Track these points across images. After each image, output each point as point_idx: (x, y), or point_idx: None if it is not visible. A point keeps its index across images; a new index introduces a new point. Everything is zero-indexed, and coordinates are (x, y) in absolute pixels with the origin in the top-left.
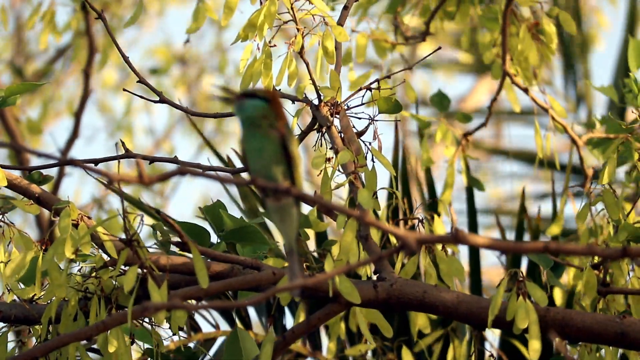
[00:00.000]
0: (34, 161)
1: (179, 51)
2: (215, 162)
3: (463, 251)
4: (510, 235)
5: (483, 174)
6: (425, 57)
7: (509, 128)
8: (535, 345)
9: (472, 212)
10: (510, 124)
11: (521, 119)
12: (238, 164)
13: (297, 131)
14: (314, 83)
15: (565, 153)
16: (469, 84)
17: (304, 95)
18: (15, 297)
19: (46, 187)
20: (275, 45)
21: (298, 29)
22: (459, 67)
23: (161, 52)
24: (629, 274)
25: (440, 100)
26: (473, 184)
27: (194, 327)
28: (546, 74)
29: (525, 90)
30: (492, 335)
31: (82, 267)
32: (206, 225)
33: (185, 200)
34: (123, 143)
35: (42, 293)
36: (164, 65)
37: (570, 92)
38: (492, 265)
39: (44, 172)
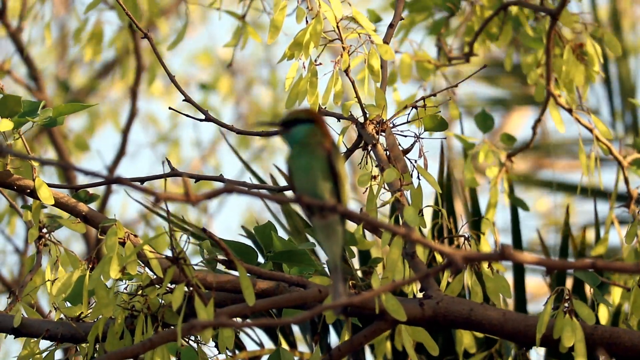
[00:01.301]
0: (81, 179)
1: (225, 60)
2: (260, 180)
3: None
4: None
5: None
6: (471, 75)
7: (552, 157)
8: None
9: (516, 231)
10: (554, 155)
11: (565, 149)
12: (281, 181)
13: (342, 149)
14: (359, 101)
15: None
16: (498, 119)
17: (349, 114)
18: (62, 316)
19: (94, 204)
20: (321, 64)
21: (344, 48)
22: (496, 103)
23: (204, 58)
24: None
25: (483, 120)
26: (517, 204)
27: (239, 345)
28: (592, 102)
29: (570, 111)
30: (536, 355)
31: (128, 285)
32: (250, 242)
33: (230, 216)
34: (169, 161)
35: (89, 311)
36: (213, 79)
37: (619, 117)
38: (533, 279)
39: (91, 190)
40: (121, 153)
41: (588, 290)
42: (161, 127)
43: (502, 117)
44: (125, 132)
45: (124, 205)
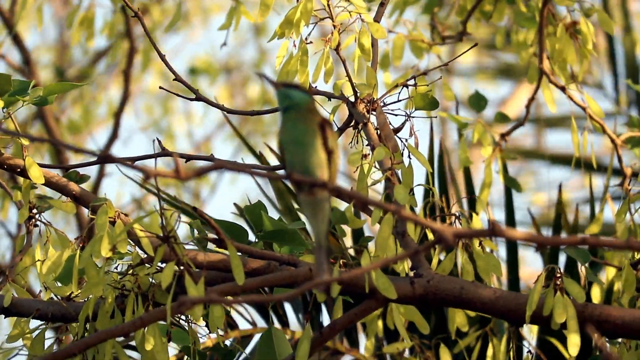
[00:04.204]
0: (73, 160)
1: (222, 60)
2: (250, 161)
3: (501, 252)
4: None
5: (522, 181)
6: (463, 53)
7: (548, 134)
8: (574, 339)
9: (510, 211)
10: (550, 130)
11: (561, 124)
12: (271, 159)
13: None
14: (350, 80)
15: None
16: (507, 90)
17: (340, 93)
18: (52, 295)
19: (85, 186)
20: (311, 42)
21: (334, 26)
22: (496, 73)
23: (204, 61)
24: None
25: (477, 101)
26: (510, 185)
27: (231, 324)
28: (597, 77)
29: (563, 89)
30: (530, 334)
31: (119, 264)
32: (243, 223)
33: (223, 204)
34: (159, 141)
35: (79, 291)
36: (204, 68)
37: (622, 94)
38: (529, 268)
39: (82, 171)
40: (114, 136)
41: (581, 270)
42: (157, 121)
43: (511, 90)
44: (117, 115)
45: (117, 194)
